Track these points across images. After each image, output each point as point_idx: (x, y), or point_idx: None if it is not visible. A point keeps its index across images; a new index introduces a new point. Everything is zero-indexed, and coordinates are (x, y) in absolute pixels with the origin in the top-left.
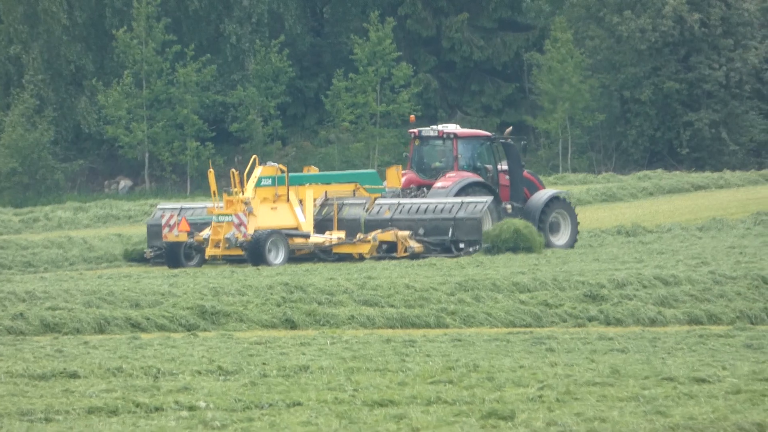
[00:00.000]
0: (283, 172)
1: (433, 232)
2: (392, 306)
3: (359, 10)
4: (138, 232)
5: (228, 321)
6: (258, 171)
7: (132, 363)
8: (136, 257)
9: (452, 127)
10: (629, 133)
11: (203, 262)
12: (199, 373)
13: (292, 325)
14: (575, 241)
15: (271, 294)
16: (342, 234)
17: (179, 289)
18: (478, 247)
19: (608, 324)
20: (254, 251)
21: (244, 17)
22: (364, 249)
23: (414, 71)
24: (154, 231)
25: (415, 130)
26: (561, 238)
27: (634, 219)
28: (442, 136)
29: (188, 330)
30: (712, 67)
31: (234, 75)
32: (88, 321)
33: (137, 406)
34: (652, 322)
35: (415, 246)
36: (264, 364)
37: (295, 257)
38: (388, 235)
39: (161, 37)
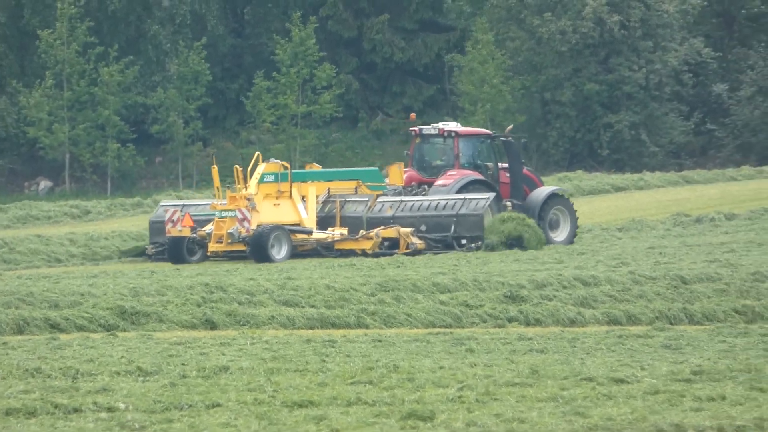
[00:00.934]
0: (286, 169)
1: (435, 228)
2: (312, 306)
3: (280, 11)
4: (57, 232)
5: (148, 321)
6: (261, 168)
7: (51, 364)
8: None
9: (453, 126)
10: (550, 134)
11: (205, 257)
12: (118, 373)
13: (212, 325)
14: (574, 237)
15: (191, 294)
16: (344, 230)
17: (99, 289)
18: (480, 243)
19: (528, 324)
20: (257, 246)
21: (166, 18)
22: (367, 245)
23: (336, 72)
24: (156, 227)
25: (416, 129)
26: (560, 235)
27: None
28: (443, 135)
29: (107, 330)
30: (632, 69)
31: (155, 76)
32: (6, 321)
33: (56, 407)
34: (572, 322)
35: (417, 242)
36: (183, 364)
37: (297, 253)
38: (391, 232)
39: (84, 38)
